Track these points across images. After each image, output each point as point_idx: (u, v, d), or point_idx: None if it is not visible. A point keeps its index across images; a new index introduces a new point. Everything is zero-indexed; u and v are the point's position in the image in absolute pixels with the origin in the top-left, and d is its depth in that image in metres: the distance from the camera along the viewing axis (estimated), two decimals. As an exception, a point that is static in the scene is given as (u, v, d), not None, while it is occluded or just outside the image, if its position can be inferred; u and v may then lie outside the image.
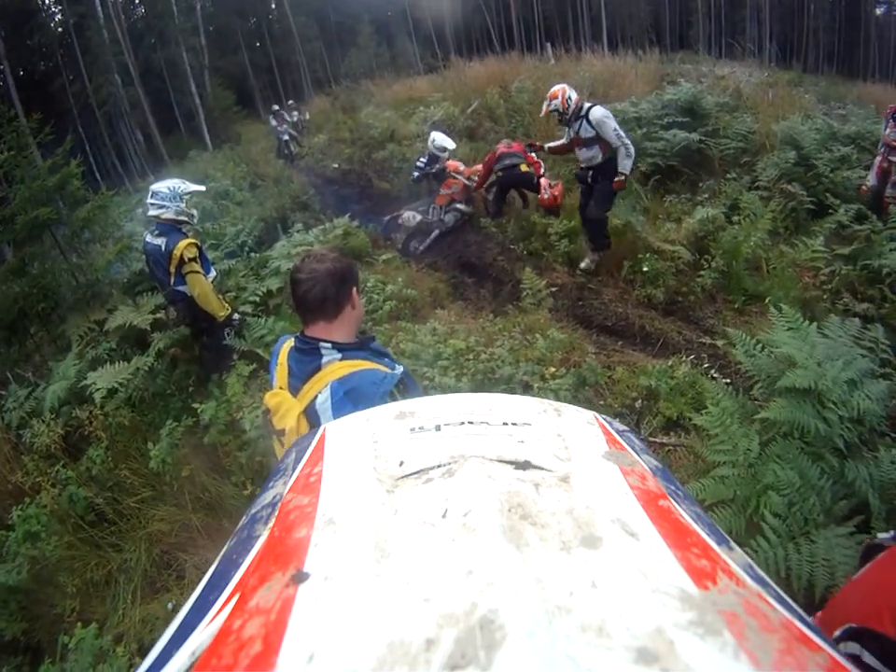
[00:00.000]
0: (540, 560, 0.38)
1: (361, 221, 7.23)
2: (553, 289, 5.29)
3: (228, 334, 4.16)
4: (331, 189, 9.39)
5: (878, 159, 6.12)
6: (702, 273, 5.10)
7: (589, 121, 5.23)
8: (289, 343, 1.70)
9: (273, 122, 12.65)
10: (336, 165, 10.73)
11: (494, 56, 16.85)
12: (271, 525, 0.50)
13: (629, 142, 5.16)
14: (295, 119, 12.55)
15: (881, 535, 1.60)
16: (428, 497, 0.47)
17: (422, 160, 7.26)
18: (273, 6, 36.56)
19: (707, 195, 6.55)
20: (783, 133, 6.85)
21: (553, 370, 3.76)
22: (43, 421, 3.81)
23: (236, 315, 4.25)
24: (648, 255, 5.25)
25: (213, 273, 4.16)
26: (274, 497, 0.57)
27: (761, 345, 3.03)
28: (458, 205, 7.11)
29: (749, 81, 10.60)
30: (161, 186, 3.92)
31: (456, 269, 6.50)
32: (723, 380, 3.99)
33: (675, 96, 7.92)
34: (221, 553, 0.53)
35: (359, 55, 34.14)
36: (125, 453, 3.66)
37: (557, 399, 3.39)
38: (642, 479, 0.53)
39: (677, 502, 0.51)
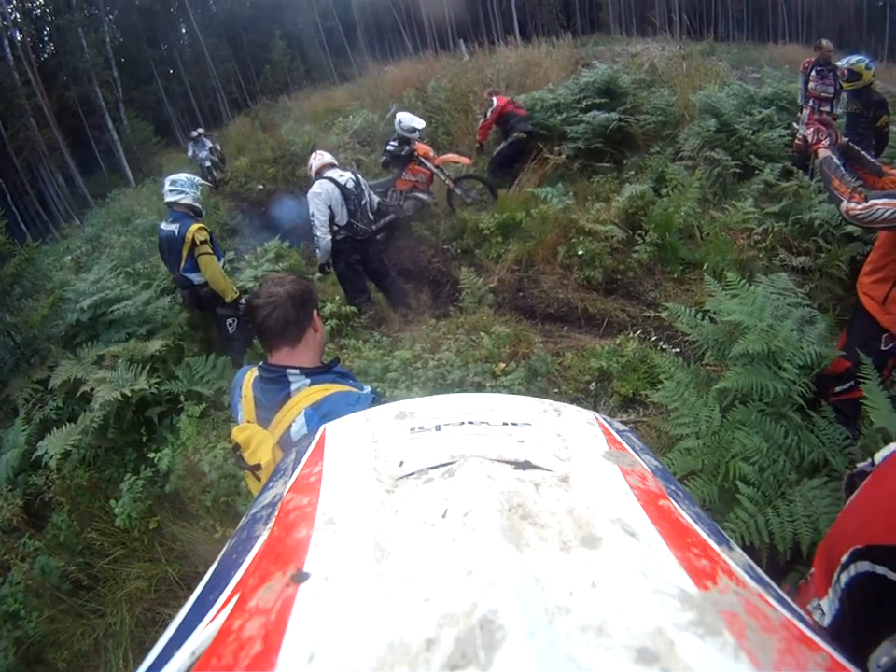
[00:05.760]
0: (540, 560, 0.39)
1: (292, 241, 7.06)
2: (492, 285, 5.24)
3: (230, 325, 4.60)
4: (259, 212, 9.19)
5: (807, 111, 6.31)
6: (637, 248, 5.15)
7: None
8: (252, 373, 1.66)
9: (191, 151, 12.25)
10: (261, 186, 10.57)
11: (408, 58, 16.88)
12: (271, 524, 0.50)
13: (320, 234, 4.64)
14: (210, 145, 12.21)
15: (860, 464, 1.63)
16: (428, 497, 0.47)
17: (392, 142, 6.95)
18: (183, 30, 35.83)
19: (632, 171, 6.66)
20: (701, 102, 6.96)
21: (502, 365, 3.73)
22: (0, 494, 3.64)
23: (243, 299, 4.55)
24: (581, 238, 5.24)
25: (222, 260, 4.61)
26: (274, 497, 0.57)
27: (701, 314, 3.05)
28: (419, 194, 6.89)
29: (663, 56, 10.82)
30: (180, 176, 4.57)
31: (392, 276, 6.37)
32: (673, 350, 4.05)
33: (591, 79, 7.98)
34: (221, 553, 0.53)
35: (274, 71, 33.99)
36: (89, 514, 3.52)
37: (511, 394, 3.33)
38: (642, 479, 0.53)
39: (677, 502, 0.51)
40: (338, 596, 0.37)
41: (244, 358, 4.51)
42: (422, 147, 6.82)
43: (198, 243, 4.25)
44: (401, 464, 0.54)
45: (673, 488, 0.55)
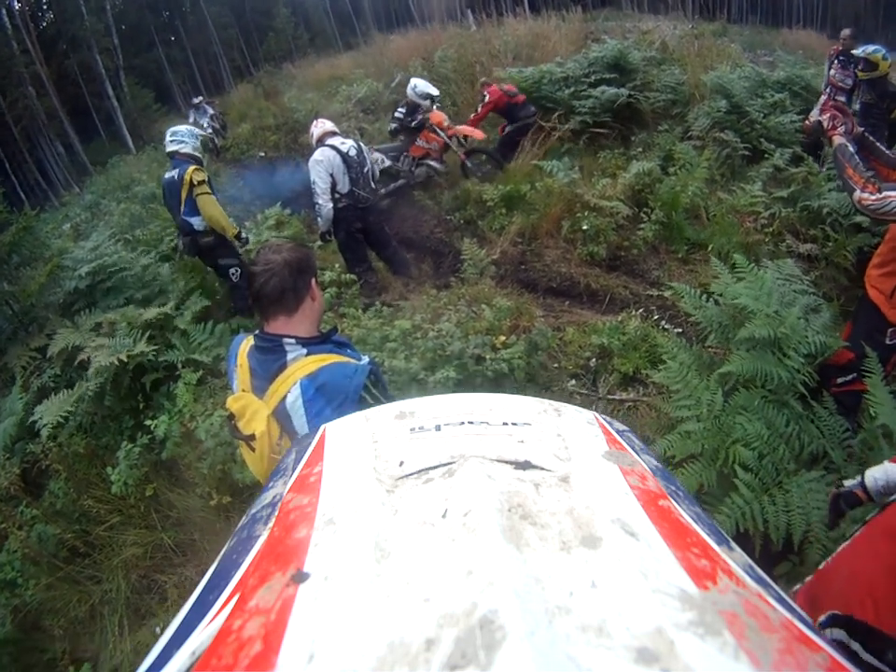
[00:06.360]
0: (540, 560, 0.39)
1: (293, 208, 6.98)
2: (494, 257, 5.20)
3: (233, 274, 4.70)
4: (260, 179, 9.07)
5: (823, 98, 6.33)
6: (642, 226, 5.10)
7: None
8: (248, 341, 1.63)
9: (192, 118, 12.09)
10: (263, 154, 10.46)
11: (414, 28, 16.64)
12: (271, 524, 0.50)
13: (321, 202, 4.60)
14: (211, 112, 12.08)
15: (847, 482, 1.58)
16: (428, 497, 0.47)
17: (400, 110, 6.88)
18: (186, -4, 35.25)
19: (640, 149, 6.60)
20: (712, 82, 6.86)
21: (503, 338, 3.69)
22: (-2, 463, 3.67)
23: (244, 233, 4.74)
24: (586, 213, 5.20)
25: None
26: (274, 496, 0.57)
27: (706, 296, 3.04)
28: (432, 162, 6.84)
29: (675, 34, 10.68)
30: (180, 127, 4.78)
31: (394, 245, 6.33)
32: (675, 330, 4.02)
33: (601, 53, 7.89)
34: (221, 553, 0.54)
35: (277, 39, 33.66)
36: (86, 481, 3.56)
37: (510, 367, 3.37)
38: (642, 479, 0.54)
39: (677, 502, 0.51)
40: (338, 596, 0.37)
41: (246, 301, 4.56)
42: (436, 116, 6.71)
43: (195, 183, 4.35)
44: (401, 464, 0.55)
45: (673, 488, 0.55)
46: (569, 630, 0.32)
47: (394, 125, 6.94)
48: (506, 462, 0.53)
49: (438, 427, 0.62)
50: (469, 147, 6.95)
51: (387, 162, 6.63)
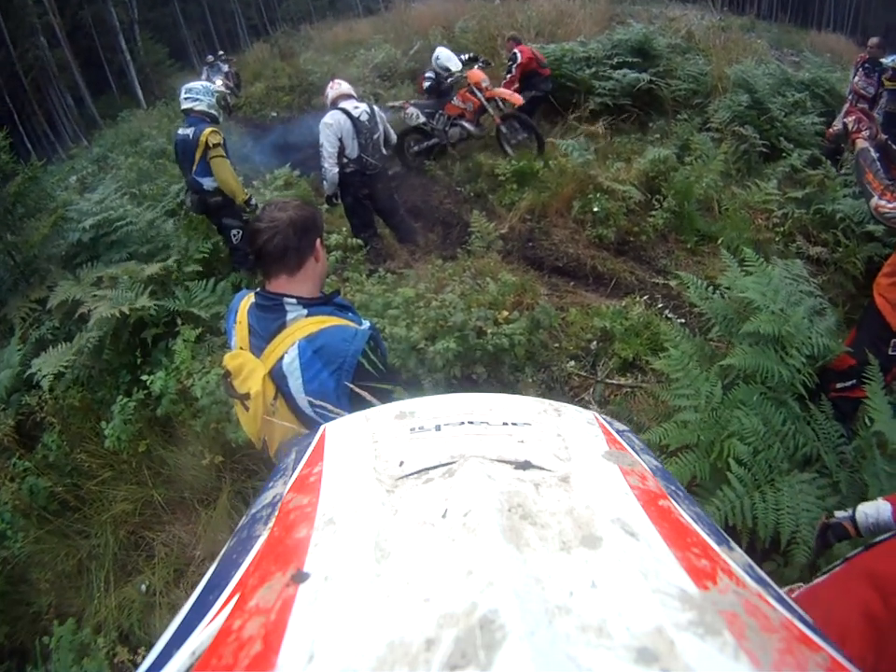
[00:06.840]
0: (540, 560, 0.38)
1: (303, 170, 6.93)
2: (503, 231, 5.16)
3: (234, 236, 4.66)
4: (271, 139, 8.99)
5: (846, 106, 6.33)
6: (653, 213, 5.07)
7: None
8: (248, 298, 1.61)
9: (205, 75, 11.96)
10: (275, 114, 10.42)
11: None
12: (271, 524, 0.50)
13: (328, 165, 4.55)
14: (226, 70, 11.99)
15: (838, 513, 1.55)
16: (428, 497, 0.47)
17: (429, 74, 6.76)
18: (205, -49, 34.68)
19: (657, 135, 6.56)
20: (736, 76, 6.81)
21: (505, 313, 3.68)
22: (-8, 415, 3.67)
23: (254, 200, 4.67)
24: (598, 195, 5.16)
25: None
26: (274, 496, 0.57)
27: (713, 288, 3.02)
28: (466, 123, 6.60)
29: (701, 24, 10.54)
30: (195, 84, 4.70)
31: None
32: (678, 320, 4.01)
33: (625, 36, 7.85)
34: (221, 553, 0.54)
35: (296, -1, 33.14)
36: (80, 435, 3.56)
37: (511, 343, 3.36)
38: (642, 479, 0.53)
39: (677, 502, 0.51)
40: (338, 596, 0.37)
41: (246, 263, 4.66)
42: (475, 74, 6.48)
43: (211, 145, 4.32)
44: (401, 464, 0.54)
45: (673, 488, 0.55)
46: (569, 630, 0.32)
47: (428, 83, 6.78)
48: (506, 462, 0.53)
49: (438, 427, 0.62)
50: (506, 111, 6.65)
51: (422, 118, 6.51)
